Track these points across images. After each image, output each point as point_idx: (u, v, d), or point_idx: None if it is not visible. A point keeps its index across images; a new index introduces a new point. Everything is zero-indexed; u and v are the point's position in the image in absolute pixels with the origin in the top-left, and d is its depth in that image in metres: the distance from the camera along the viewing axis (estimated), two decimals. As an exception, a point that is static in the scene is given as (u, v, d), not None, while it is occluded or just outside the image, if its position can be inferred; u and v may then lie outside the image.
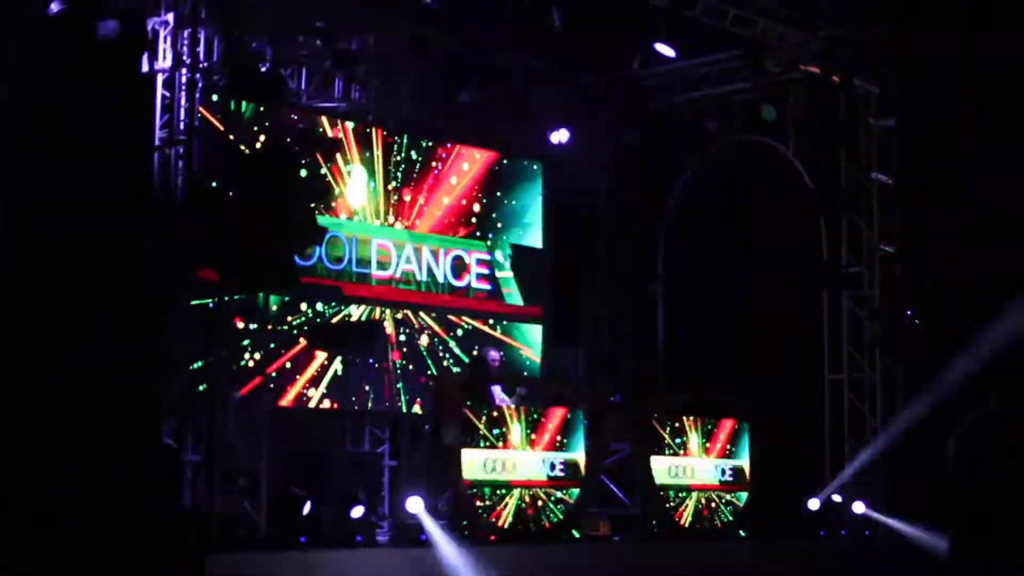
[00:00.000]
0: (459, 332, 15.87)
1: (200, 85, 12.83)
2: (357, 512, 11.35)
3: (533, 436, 12.37)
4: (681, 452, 13.68)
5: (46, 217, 9.91)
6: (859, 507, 14.74)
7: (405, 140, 15.65)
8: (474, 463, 12.05)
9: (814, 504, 14.70)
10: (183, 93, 12.62)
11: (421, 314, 15.60)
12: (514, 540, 12.01)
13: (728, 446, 14.08)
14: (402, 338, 15.39)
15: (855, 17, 15.38)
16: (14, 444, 9.53)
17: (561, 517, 12.47)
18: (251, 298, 12.68)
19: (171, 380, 11.61)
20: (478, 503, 11.95)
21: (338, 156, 14.87)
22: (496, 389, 13.67)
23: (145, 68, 12.37)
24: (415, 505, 11.63)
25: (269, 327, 14.04)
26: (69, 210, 9.97)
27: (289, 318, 14.39)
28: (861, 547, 14.67)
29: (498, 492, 12.06)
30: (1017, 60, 15.19)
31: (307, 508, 10.94)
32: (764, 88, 15.63)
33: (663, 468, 13.65)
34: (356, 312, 14.82)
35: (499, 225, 16.45)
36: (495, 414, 12.32)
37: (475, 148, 16.37)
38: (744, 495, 14.08)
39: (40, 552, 9.42)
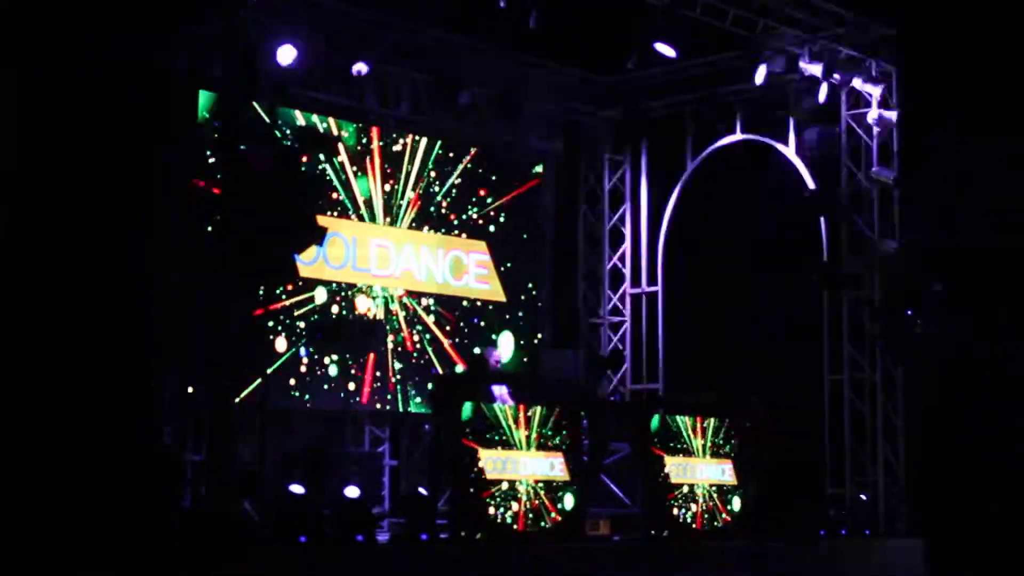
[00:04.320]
0: (458, 329, 15.90)
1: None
2: (352, 492, 11.30)
3: (533, 436, 12.36)
4: (681, 452, 13.66)
5: (48, 220, 9.91)
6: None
7: (404, 140, 15.65)
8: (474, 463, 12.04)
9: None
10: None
11: (420, 312, 15.61)
12: (514, 540, 12.00)
13: (728, 446, 14.06)
14: (402, 337, 15.40)
15: (855, 17, 15.38)
16: (13, 444, 9.52)
17: (561, 517, 12.46)
18: None
19: (171, 379, 11.59)
20: (478, 503, 11.93)
21: (337, 156, 14.88)
22: (496, 389, 13.64)
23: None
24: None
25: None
26: (69, 212, 9.97)
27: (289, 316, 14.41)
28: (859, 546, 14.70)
29: (498, 492, 12.04)
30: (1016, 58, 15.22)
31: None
32: (764, 88, 15.63)
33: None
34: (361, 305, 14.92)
35: (498, 224, 16.45)
36: (494, 414, 12.30)
37: (474, 147, 16.37)
38: (744, 495, 14.06)
39: (40, 552, 9.42)
